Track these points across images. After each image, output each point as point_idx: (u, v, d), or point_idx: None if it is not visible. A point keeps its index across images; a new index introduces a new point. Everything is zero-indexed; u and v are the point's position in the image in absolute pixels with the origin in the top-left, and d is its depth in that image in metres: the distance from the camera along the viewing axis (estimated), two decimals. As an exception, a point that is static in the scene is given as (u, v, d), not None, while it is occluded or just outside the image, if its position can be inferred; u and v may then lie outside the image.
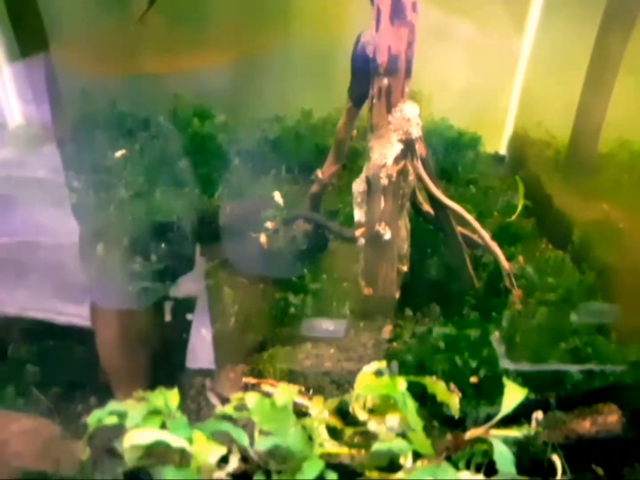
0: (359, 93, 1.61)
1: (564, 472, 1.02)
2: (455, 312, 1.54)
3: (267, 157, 2.25)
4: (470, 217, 1.54)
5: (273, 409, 0.83)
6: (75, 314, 1.42)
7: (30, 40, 2.15)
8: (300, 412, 0.99)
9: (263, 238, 1.62)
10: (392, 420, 0.93)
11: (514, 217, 1.90)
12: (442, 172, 2.16)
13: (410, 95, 1.53)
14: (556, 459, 0.94)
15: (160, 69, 2.42)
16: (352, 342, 1.53)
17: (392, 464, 0.88)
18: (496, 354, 1.26)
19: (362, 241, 1.61)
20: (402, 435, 0.88)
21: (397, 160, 1.51)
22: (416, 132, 1.53)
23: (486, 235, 1.53)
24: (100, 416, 0.81)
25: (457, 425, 1.09)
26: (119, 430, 0.78)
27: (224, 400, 1.26)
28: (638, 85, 2.16)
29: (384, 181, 1.52)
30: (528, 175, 2.27)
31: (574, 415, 1.17)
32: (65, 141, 2.09)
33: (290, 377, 1.38)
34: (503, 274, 1.50)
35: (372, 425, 0.87)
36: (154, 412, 0.79)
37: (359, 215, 1.63)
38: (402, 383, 0.89)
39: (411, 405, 0.89)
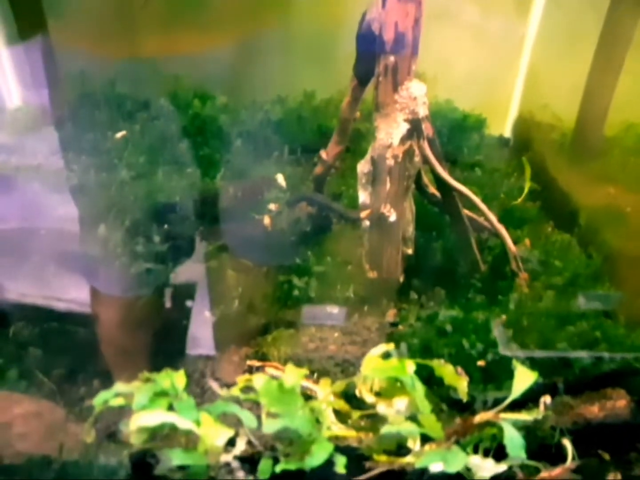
0: (364, 71, 1.58)
1: (572, 457, 1.00)
2: (460, 295, 1.53)
3: (270, 138, 2.22)
4: (477, 200, 1.52)
5: (281, 391, 0.81)
6: (75, 299, 1.40)
7: (29, 21, 2.11)
8: (306, 395, 0.98)
9: (267, 220, 1.60)
10: (400, 403, 0.92)
11: (520, 199, 1.88)
12: (447, 154, 2.13)
13: (415, 77, 1.50)
14: (567, 444, 0.93)
15: (161, 51, 2.38)
16: (356, 325, 1.51)
17: (399, 448, 0.87)
18: (503, 337, 1.25)
19: (366, 223, 1.59)
20: (411, 418, 0.87)
21: (403, 140, 1.48)
22: (423, 111, 1.50)
23: (493, 218, 1.51)
24: (106, 398, 0.79)
25: (464, 409, 1.07)
26: (124, 412, 0.76)
27: (224, 386, 1.24)
28: (646, 67, 2.13)
29: (390, 162, 1.49)
30: (533, 159, 2.24)
31: (582, 400, 1.16)
32: (64, 123, 2.06)
33: (294, 360, 1.36)
34: (509, 257, 1.48)
35: (381, 408, 0.86)
36: (161, 394, 0.77)
37: (363, 197, 1.61)
38: (410, 365, 0.87)
39: (420, 388, 0.87)
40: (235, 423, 0.84)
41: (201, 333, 1.41)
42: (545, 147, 2.36)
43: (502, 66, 2.59)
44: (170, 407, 0.77)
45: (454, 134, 2.33)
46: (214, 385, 1.20)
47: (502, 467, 0.84)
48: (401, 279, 1.61)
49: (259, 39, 2.42)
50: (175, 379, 0.80)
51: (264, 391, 0.81)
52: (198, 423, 0.76)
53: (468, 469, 0.88)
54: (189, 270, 1.52)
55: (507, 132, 2.67)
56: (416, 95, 1.48)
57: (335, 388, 0.90)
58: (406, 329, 1.37)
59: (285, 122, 2.30)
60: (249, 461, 0.82)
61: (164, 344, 1.42)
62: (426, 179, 1.65)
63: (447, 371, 0.96)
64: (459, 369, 1.08)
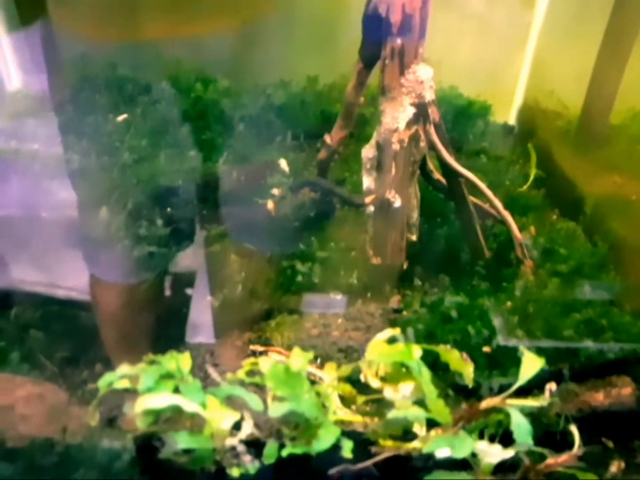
0: (370, 54, 1.56)
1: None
2: (465, 282, 1.52)
3: (272, 123, 2.20)
4: (483, 186, 1.50)
5: (287, 375, 0.80)
6: (78, 283, 1.39)
7: (29, 4, 2.07)
8: (310, 381, 0.97)
9: (270, 205, 1.58)
10: (405, 388, 0.91)
11: (525, 187, 1.86)
12: (451, 141, 2.11)
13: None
14: (574, 430, 0.93)
15: (162, 35, 2.35)
16: (360, 311, 1.50)
17: (405, 433, 0.86)
18: (503, 325, 1.24)
19: (370, 209, 1.57)
20: (417, 403, 0.86)
21: (409, 124, 1.47)
22: (429, 95, 1.48)
23: (499, 205, 1.50)
24: (111, 380, 0.78)
25: (469, 395, 1.07)
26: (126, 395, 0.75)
27: (226, 371, 1.24)
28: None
29: (396, 146, 1.48)
30: (538, 146, 2.22)
31: (587, 388, 1.16)
32: (65, 106, 2.03)
33: (298, 345, 1.35)
34: (515, 245, 1.47)
35: (388, 393, 0.85)
36: (166, 376, 0.76)
37: (368, 182, 1.59)
38: (417, 350, 0.86)
39: (426, 373, 0.86)
40: (241, 407, 0.83)
41: (204, 317, 1.40)
42: (551, 135, 2.34)
43: (508, 53, 2.56)
44: (176, 390, 0.76)
45: (458, 120, 2.31)
46: (212, 371, 1.20)
47: (509, 452, 0.84)
48: (405, 266, 1.60)
49: (261, 22, 2.39)
50: (180, 361, 0.79)
51: (270, 375, 0.80)
52: (204, 406, 0.76)
53: (474, 455, 0.87)
54: (192, 255, 1.50)
55: (512, 120, 2.64)
56: (423, 79, 1.47)
57: (341, 373, 0.89)
58: (410, 315, 1.36)
59: (288, 106, 2.28)
60: (255, 445, 0.82)
61: (166, 328, 1.41)
62: (431, 165, 1.63)
63: (453, 357, 0.95)
64: (464, 354, 1.07)
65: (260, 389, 0.93)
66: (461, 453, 0.80)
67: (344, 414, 0.87)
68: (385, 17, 1.39)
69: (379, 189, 1.52)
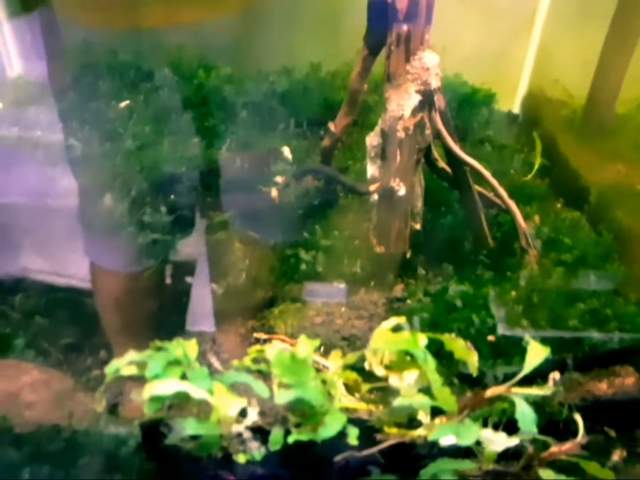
0: (375, 41, 1.54)
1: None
2: (468, 271, 1.51)
3: (275, 110, 2.18)
4: (488, 175, 1.49)
5: (293, 362, 0.80)
6: (81, 270, 1.39)
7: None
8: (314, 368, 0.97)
9: (274, 192, 1.57)
10: (410, 376, 0.91)
11: (530, 176, 1.85)
12: (456, 129, 2.10)
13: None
14: (578, 419, 0.93)
15: (163, 21, 2.33)
16: (363, 300, 1.50)
17: (410, 421, 0.87)
18: (502, 315, 1.24)
19: (374, 197, 1.57)
20: (422, 391, 0.86)
21: (414, 112, 1.46)
22: (435, 82, 1.47)
23: (504, 194, 1.49)
24: (119, 366, 0.78)
25: (472, 384, 1.07)
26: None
27: (229, 358, 1.24)
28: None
29: (401, 134, 1.47)
30: (543, 135, 2.20)
31: (591, 377, 1.16)
32: (67, 93, 2.02)
33: (301, 333, 1.35)
34: (519, 234, 1.46)
35: (394, 381, 0.85)
36: (174, 363, 0.76)
37: (372, 170, 1.58)
38: (423, 339, 0.86)
39: (431, 362, 0.86)
40: (246, 393, 0.83)
41: (207, 305, 1.40)
42: (555, 124, 2.32)
43: (513, 40, 2.53)
44: (183, 377, 0.76)
45: (462, 108, 2.29)
46: (213, 360, 1.20)
47: (514, 440, 0.84)
48: (408, 254, 1.59)
49: (263, 8, 2.37)
50: (187, 348, 0.79)
51: (276, 362, 0.80)
52: (211, 392, 0.76)
53: (478, 443, 0.88)
54: (195, 242, 1.50)
55: (516, 108, 2.62)
56: (429, 66, 1.45)
57: (346, 361, 0.89)
58: (414, 304, 1.36)
59: (291, 94, 2.26)
60: (260, 432, 0.82)
61: (169, 316, 1.41)
62: (436, 153, 1.62)
63: (457, 345, 0.95)
64: (468, 343, 1.07)
65: (264, 376, 0.93)
66: (467, 441, 0.81)
67: (349, 401, 0.87)
68: (391, 3, 1.37)
69: (384, 177, 1.51)
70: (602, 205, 1.78)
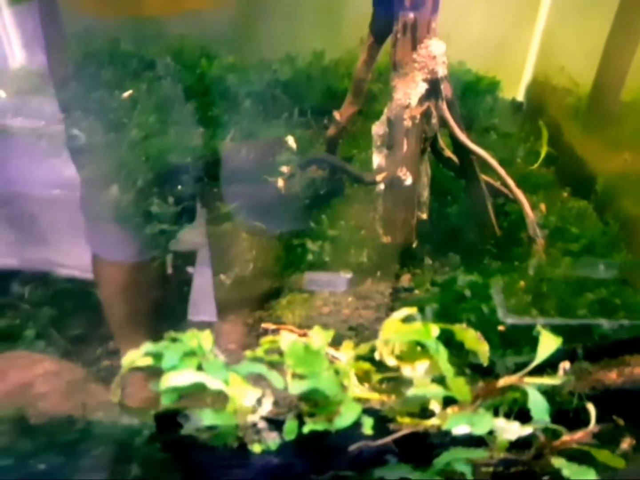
0: (381, 29, 1.53)
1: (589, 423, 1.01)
2: (475, 261, 1.51)
3: (279, 99, 2.17)
4: (495, 164, 1.48)
5: (307, 353, 0.80)
6: (86, 261, 1.38)
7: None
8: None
9: (280, 182, 1.57)
10: (421, 367, 0.91)
11: (536, 164, 1.84)
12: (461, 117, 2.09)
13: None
14: (590, 408, 0.93)
15: (165, 10, 2.31)
16: (370, 290, 1.50)
17: (423, 411, 0.87)
18: (503, 304, 1.24)
19: (380, 187, 1.56)
20: (434, 381, 0.86)
21: (421, 100, 1.44)
22: (442, 70, 1.46)
23: (512, 183, 1.48)
24: (135, 357, 0.78)
25: (481, 374, 1.07)
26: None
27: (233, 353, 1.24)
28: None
29: (407, 123, 1.46)
30: (547, 123, 2.19)
31: (601, 366, 1.16)
32: (69, 82, 2.01)
33: (308, 323, 1.35)
34: (527, 223, 1.46)
35: (407, 371, 0.85)
36: (190, 354, 0.76)
37: (378, 159, 1.57)
38: (435, 329, 0.86)
39: (443, 352, 0.86)
40: (259, 384, 0.83)
41: (215, 295, 1.40)
42: (560, 112, 2.31)
43: (517, 27, 2.51)
44: (199, 368, 0.77)
45: (466, 96, 2.28)
46: (217, 352, 1.20)
47: (527, 429, 0.85)
48: (415, 244, 1.59)
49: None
50: (202, 338, 0.79)
51: (289, 352, 0.80)
52: (227, 383, 0.76)
53: (489, 432, 0.88)
54: (202, 233, 1.50)
55: (520, 96, 2.61)
56: (436, 54, 1.44)
57: (359, 351, 0.89)
58: (423, 294, 1.36)
59: (295, 82, 2.24)
60: (273, 422, 0.82)
61: (176, 306, 1.41)
62: (442, 142, 1.61)
63: (468, 335, 0.95)
64: (478, 333, 1.07)
65: (274, 366, 0.93)
66: (481, 430, 0.81)
67: (360, 391, 0.87)
68: (398, -10, 1.36)
69: (390, 166, 1.51)
70: (609, 194, 1.78)
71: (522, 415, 0.93)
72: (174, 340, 0.78)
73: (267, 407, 0.78)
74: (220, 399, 0.78)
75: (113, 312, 1.31)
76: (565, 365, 1.04)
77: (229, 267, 1.44)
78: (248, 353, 0.82)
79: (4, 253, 1.33)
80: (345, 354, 0.86)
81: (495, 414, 0.95)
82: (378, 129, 1.56)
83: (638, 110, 2.21)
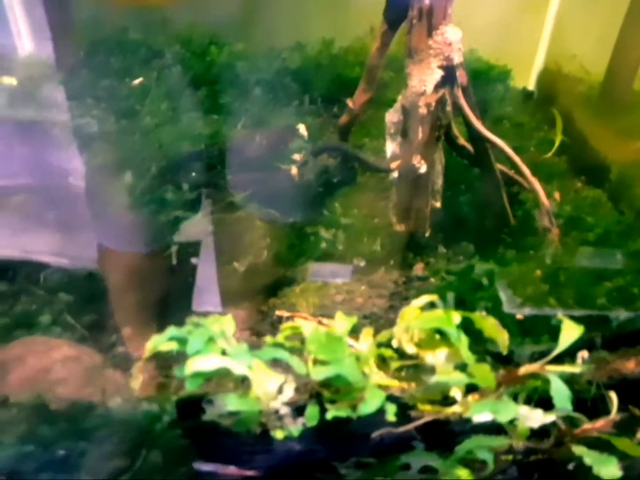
0: (395, 15, 1.51)
1: (608, 412, 1.00)
2: (489, 250, 1.50)
3: (289, 87, 2.15)
4: (511, 152, 1.47)
5: (328, 339, 0.80)
6: (101, 248, 1.38)
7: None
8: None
9: (294, 170, 1.56)
10: (440, 354, 0.91)
11: (550, 153, 1.83)
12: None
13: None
14: (613, 397, 0.93)
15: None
16: (383, 278, 1.50)
17: (445, 398, 0.87)
18: (508, 294, 1.24)
19: (394, 175, 1.55)
20: (457, 369, 0.86)
21: (436, 87, 1.43)
22: (458, 57, 1.44)
23: (527, 171, 1.47)
24: (159, 342, 0.78)
25: (501, 362, 1.07)
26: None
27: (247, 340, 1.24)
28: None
29: (422, 110, 1.44)
30: (559, 112, 2.17)
31: (618, 355, 1.16)
32: (79, 70, 2.00)
33: (322, 312, 1.35)
34: (542, 212, 1.45)
35: (430, 358, 0.85)
36: (213, 339, 0.76)
37: (391, 147, 1.56)
38: (456, 317, 0.86)
39: (464, 340, 0.86)
40: (279, 370, 0.83)
41: (229, 282, 1.39)
42: (572, 100, 2.29)
43: (528, 14, 2.48)
44: (223, 353, 0.76)
45: (477, 85, 2.25)
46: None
47: (550, 417, 0.84)
48: (428, 233, 1.58)
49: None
50: (224, 324, 0.79)
51: (312, 339, 0.80)
52: (250, 368, 0.76)
53: (509, 420, 0.88)
54: (215, 221, 1.49)
55: (531, 85, 2.58)
56: (451, 41, 1.43)
57: (380, 338, 0.89)
58: (438, 282, 1.35)
59: (304, 70, 2.23)
60: (295, 408, 0.82)
61: (188, 294, 1.41)
62: (456, 130, 1.60)
63: (488, 323, 0.94)
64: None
65: (292, 353, 0.93)
66: (505, 417, 0.81)
67: (380, 378, 0.87)
68: (413, -24, 1.34)
69: (404, 154, 1.49)
70: (623, 183, 1.76)
71: (542, 403, 0.93)
72: (197, 325, 0.78)
73: (288, 394, 0.78)
74: (242, 385, 0.78)
75: (126, 300, 1.31)
76: (583, 354, 1.04)
77: (243, 254, 1.44)
78: (268, 339, 0.82)
79: (19, 241, 1.33)
80: (365, 341, 0.86)
81: (514, 401, 0.94)
82: (392, 116, 1.55)
83: (652, 99, 2.19)
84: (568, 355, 1.06)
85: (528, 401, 0.94)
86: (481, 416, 0.81)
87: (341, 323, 0.83)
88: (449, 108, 1.49)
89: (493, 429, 0.90)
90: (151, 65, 2.12)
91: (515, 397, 0.95)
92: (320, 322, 1.19)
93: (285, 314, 1.31)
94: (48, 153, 1.63)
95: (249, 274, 1.42)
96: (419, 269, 1.51)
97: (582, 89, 2.32)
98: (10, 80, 1.99)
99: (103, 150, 1.61)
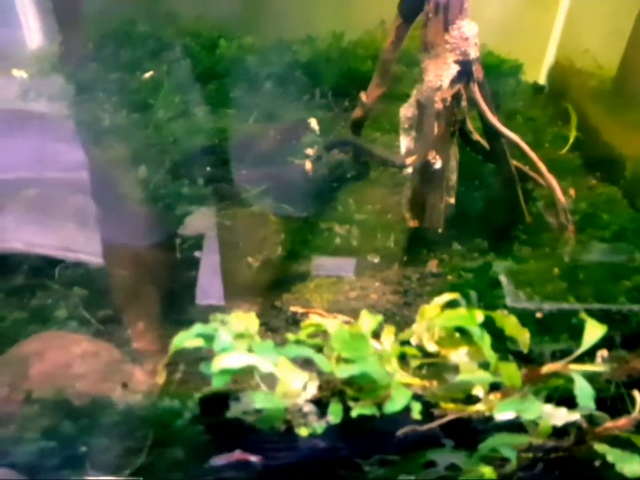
0: (410, 8, 1.50)
1: (626, 410, 1.00)
2: (504, 247, 1.49)
3: (299, 81, 2.14)
4: (527, 148, 1.46)
5: (352, 337, 0.80)
6: (115, 242, 1.37)
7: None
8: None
9: (308, 165, 1.55)
10: (463, 353, 0.90)
11: (565, 149, 1.81)
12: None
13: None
14: (637, 395, 0.92)
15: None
16: (397, 275, 1.49)
17: (468, 397, 0.86)
18: (511, 289, 1.23)
19: (408, 170, 1.54)
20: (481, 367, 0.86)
21: (453, 82, 1.42)
22: (474, 52, 1.43)
23: (543, 168, 1.46)
24: (185, 338, 0.77)
25: (522, 361, 1.06)
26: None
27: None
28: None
29: (438, 105, 1.43)
30: (571, 106, 2.16)
31: (637, 354, 1.15)
32: (87, 62, 1.99)
33: (336, 308, 1.35)
34: (558, 209, 1.44)
35: (454, 357, 0.84)
36: (239, 336, 0.76)
37: (405, 142, 1.55)
38: (480, 315, 0.85)
39: (487, 338, 0.85)
40: (302, 367, 0.83)
41: (242, 277, 1.39)
42: (584, 95, 2.27)
43: (539, 8, 2.46)
44: (249, 350, 0.76)
45: (489, 79, 2.23)
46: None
47: (575, 415, 0.84)
48: (442, 229, 1.57)
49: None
50: (249, 320, 0.78)
51: (336, 336, 0.80)
52: (276, 366, 0.75)
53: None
54: (228, 215, 1.48)
55: (541, 79, 2.56)
56: (468, 36, 1.41)
57: (403, 336, 0.89)
58: (454, 279, 1.35)
59: (315, 63, 2.21)
60: (318, 405, 0.82)
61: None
62: (470, 125, 1.59)
63: (509, 322, 0.94)
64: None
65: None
66: (530, 415, 0.81)
67: (401, 376, 0.87)
68: (430, -30, 1.32)
69: (420, 149, 1.48)
70: (638, 179, 1.75)
71: (563, 402, 0.92)
72: (222, 322, 0.78)
73: (311, 391, 0.77)
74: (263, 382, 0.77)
75: (141, 296, 1.30)
76: (603, 353, 1.03)
77: (257, 249, 1.43)
78: (290, 336, 0.81)
79: (31, 235, 1.33)
80: (387, 339, 0.86)
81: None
82: (406, 111, 1.54)
83: (665, 95, 2.17)
84: (586, 354, 1.06)
85: (548, 400, 0.94)
86: (504, 414, 0.81)
87: (366, 321, 0.83)
88: (464, 103, 1.47)
89: (513, 427, 0.90)
90: (160, 58, 2.11)
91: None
92: (335, 319, 1.19)
93: (299, 309, 1.31)
94: (59, 146, 1.62)
95: (263, 269, 1.41)
96: (433, 265, 1.51)
97: (595, 83, 2.30)
98: (20, 73, 1.98)
99: (115, 144, 1.60)
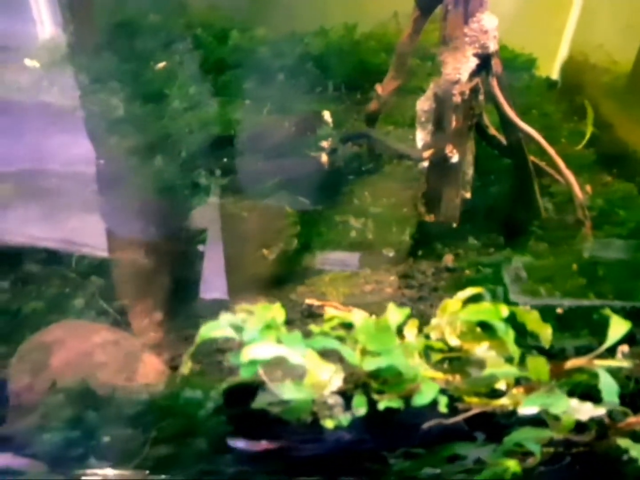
0: (428, 1, 1.48)
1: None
2: (520, 242, 1.49)
3: (312, 73, 2.13)
4: (545, 143, 1.45)
5: (378, 329, 0.79)
6: (129, 233, 1.37)
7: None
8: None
9: (324, 157, 1.54)
10: (485, 347, 0.90)
11: (581, 145, 1.80)
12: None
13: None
14: (661, 392, 0.92)
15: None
16: (412, 269, 1.49)
17: (492, 391, 0.86)
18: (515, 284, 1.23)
19: (424, 164, 1.53)
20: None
21: (471, 76, 1.41)
22: (493, 45, 1.42)
23: (561, 163, 1.45)
24: (213, 328, 0.77)
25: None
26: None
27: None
28: None
29: (457, 99, 1.42)
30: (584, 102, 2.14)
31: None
32: (101, 54, 1.98)
33: (351, 301, 1.35)
34: (576, 205, 1.43)
35: (480, 351, 0.84)
36: (267, 327, 0.75)
37: (422, 135, 1.54)
38: (505, 310, 0.85)
39: (511, 333, 0.85)
40: (327, 359, 0.83)
41: (258, 269, 1.39)
42: (598, 90, 2.25)
43: (553, 2, 2.45)
44: (277, 340, 0.76)
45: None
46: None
47: (600, 410, 0.84)
48: (458, 224, 1.56)
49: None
50: (275, 312, 0.78)
51: (361, 329, 0.79)
52: (304, 357, 0.75)
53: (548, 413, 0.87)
54: (244, 207, 1.48)
55: (554, 74, 2.54)
56: (488, 29, 1.40)
57: (428, 330, 0.88)
58: (471, 274, 1.34)
59: (327, 56, 2.20)
60: (343, 398, 0.82)
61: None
62: (487, 119, 1.58)
63: (531, 318, 0.93)
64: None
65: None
66: (557, 410, 0.80)
67: (424, 370, 0.87)
68: (451, -39, 1.31)
69: (437, 143, 1.48)
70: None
71: (585, 397, 0.92)
72: (249, 312, 0.78)
73: (337, 383, 0.77)
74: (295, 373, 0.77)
75: (157, 286, 1.30)
76: (624, 348, 1.03)
77: (273, 242, 1.43)
78: (314, 328, 0.81)
79: (47, 225, 1.33)
80: (411, 332, 0.85)
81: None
82: (423, 104, 1.53)
83: (680, 91, 2.15)
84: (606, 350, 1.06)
85: (570, 394, 0.93)
86: (530, 409, 0.81)
87: (393, 314, 0.82)
88: (482, 97, 1.46)
89: (534, 421, 0.90)
90: (172, 49, 2.10)
91: (557, 391, 0.94)
92: (350, 312, 1.18)
93: (315, 302, 1.31)
94: (73, 137, 1.62)
95: (278, 262, 1.41)
96: (448, 259, 1.50)
97: (609, 79, 2.28)
98: (33, 63, 1.97)
99: (129, 135, 1.59)
